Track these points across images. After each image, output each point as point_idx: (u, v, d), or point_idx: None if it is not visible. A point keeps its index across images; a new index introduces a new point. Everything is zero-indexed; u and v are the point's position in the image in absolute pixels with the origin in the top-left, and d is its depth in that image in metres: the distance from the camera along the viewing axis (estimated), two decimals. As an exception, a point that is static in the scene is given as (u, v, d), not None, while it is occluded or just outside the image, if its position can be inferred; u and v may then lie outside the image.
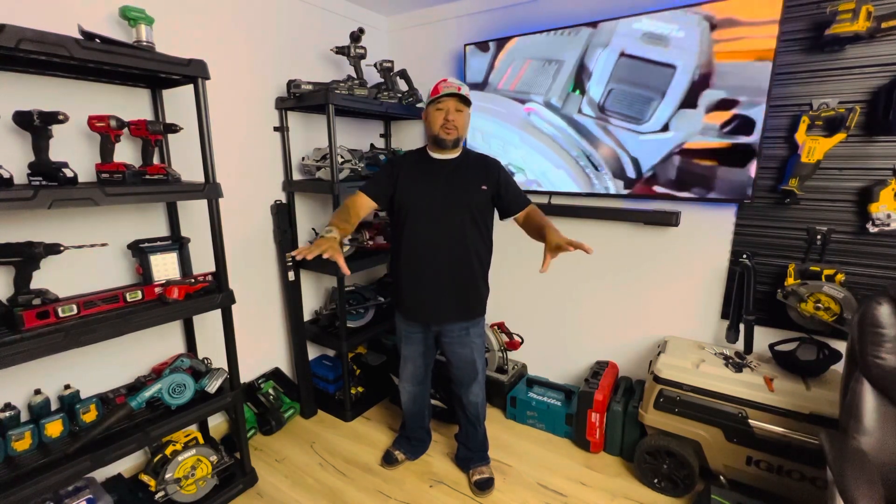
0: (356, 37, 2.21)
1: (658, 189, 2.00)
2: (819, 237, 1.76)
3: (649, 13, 1.89)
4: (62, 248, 1.40)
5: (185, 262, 1.75)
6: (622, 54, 1.90)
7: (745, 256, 1.90)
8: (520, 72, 2.12)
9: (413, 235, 1.66)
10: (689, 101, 1.82)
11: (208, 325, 2.01)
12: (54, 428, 1.44)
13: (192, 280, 1.67)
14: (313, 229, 2.49)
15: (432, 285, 1.68)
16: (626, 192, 2.08)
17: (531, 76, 2.09)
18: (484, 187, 1.67)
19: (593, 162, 2.06)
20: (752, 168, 1.78)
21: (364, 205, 1.68)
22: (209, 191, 1.61)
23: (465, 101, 1.62)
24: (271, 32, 2.17)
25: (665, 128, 1.87)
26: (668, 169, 1.95)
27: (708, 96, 1.80)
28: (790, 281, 1.78)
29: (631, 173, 2.04)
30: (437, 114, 1.62)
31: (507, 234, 2.57)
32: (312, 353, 2.55)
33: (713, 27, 1.75)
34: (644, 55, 1.86)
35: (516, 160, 2.29)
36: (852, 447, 1.22)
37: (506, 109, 2.18)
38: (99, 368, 1.71)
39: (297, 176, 2.38)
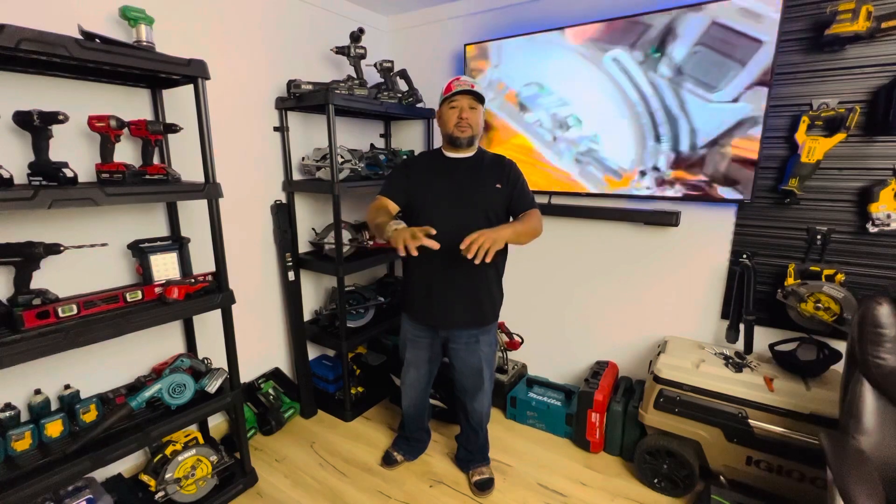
0: (356, 37, 2.21)
1: (695, 180, 1.94)
2: (819, 237, 1.76)
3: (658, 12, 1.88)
4: (62, 248, 1.40)
5: (185, 262, 1.75)
6: (714, 22, 1.88)
7: (745, 256, 1.90)
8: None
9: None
10: (765, 80, 1.79)
11: (208, 325, 2.01)
12: (54, 428, 1.44)
13: (192, 280, 1.67)
14: (313, 229, 2.49)
15: (444, 288, 1.65)
16: (670, 171, 2.01)
17: (616, 33, 2.09)
18: (498, 185, 1.64)
19: (655, 120, 2.03)
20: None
21: (390, 206, 1.65)
22: (209, 191, 1.61)
23: (479, 99, 1.61)
24: (271, 32, 2.17)
25: (736, 99, 1.86)
26: (717, 161, 1.90)
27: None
28: (790, 281, 1.78)
29: (684, 146, 1.97)
30: (451, 112, 1.60)
31: (507, 234, 2.57)
32: (312, 353, 2.55)
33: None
34: (735, 26, 1.83)
35: (580, 109, 2.21)
36: (852, 447, 1.22)
37: (590, 53, 2.15)
38: (99, 368, 1.71)
39: (297, 176, 2.38)
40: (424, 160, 1.74)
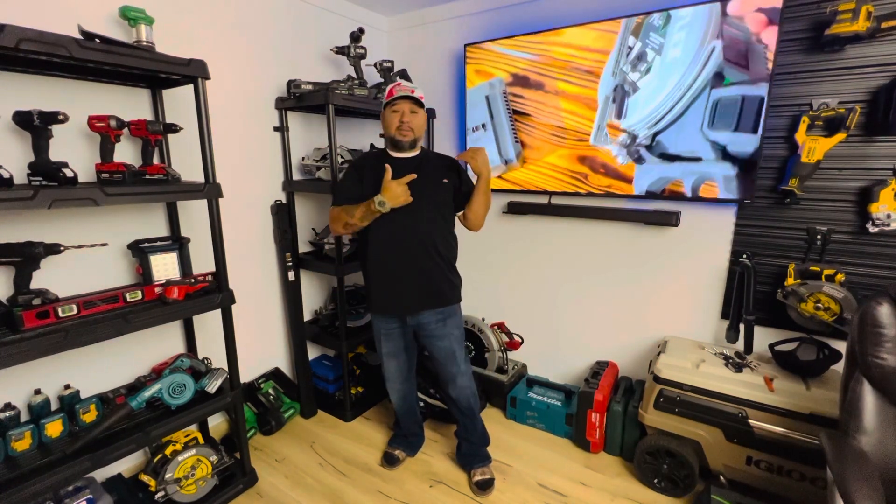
0: (356, 37, 2.21)
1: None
2: (819, 237, 1.75)
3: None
4: (62, 248, 1.40)
5: (185, 262, 1.75)
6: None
7: (745, 256, 1.90)
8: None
9: (379, 232, 1.69)
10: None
11: (208, 325, 2.01)
12: (54, 428, 1.44)
13: (192, 280, 1.67)
14: (313, 229, 2.49)
15: (402, 276, 1.70)
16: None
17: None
18: (445, 180, 1.74)
19: None
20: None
21: None
22: (209, 191, 1.61)
23: (419, 104, 1.68)
24: (271, 32, 2.17)
25: None
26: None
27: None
28: (790, 281, 1.78)
29: None
30: (393, 116, 1.68)
31: (507, 233, 2.58)
32: (312, 353, 2.55)
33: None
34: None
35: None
36: (852, 447, 1.21)
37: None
38: (99, 368, 1.71)
39: (297, 176, 2.38)
40: (372, 161, 1.79)
